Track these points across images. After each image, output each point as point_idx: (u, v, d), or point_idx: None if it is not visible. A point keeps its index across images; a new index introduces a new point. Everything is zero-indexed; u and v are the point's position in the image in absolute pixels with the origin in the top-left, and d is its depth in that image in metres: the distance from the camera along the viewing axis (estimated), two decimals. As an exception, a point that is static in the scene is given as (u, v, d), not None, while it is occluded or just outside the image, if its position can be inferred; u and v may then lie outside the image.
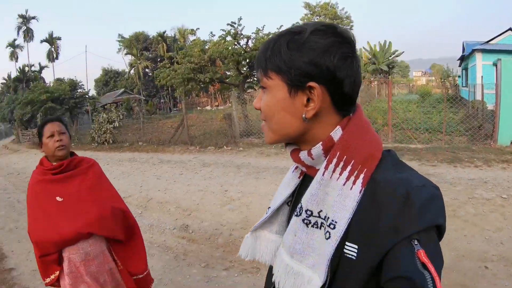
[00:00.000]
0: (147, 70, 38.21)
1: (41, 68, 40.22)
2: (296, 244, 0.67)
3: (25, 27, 40.83)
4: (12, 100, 25.95)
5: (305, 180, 0.76)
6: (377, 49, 30.61)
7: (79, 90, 24.99)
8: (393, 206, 0.57)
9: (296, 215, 0.68)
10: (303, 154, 0.70)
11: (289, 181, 0.79)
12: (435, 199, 0.59)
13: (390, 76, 27.98)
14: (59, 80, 32.22)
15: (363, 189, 0.63)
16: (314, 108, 0.65)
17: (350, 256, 0.61)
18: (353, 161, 0.64)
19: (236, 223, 4.61)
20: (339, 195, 0.63)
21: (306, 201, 0.67)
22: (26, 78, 33.88)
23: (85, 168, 1.91)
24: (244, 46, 12.31)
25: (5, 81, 36.33)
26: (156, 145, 11.93)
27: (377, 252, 0.57)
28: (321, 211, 0.65)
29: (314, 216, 0.66)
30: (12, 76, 35.65)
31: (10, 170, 11.24)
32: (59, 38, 41.77)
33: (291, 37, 0.66)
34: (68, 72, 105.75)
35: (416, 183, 0.59)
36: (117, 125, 14.35)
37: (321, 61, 0.63)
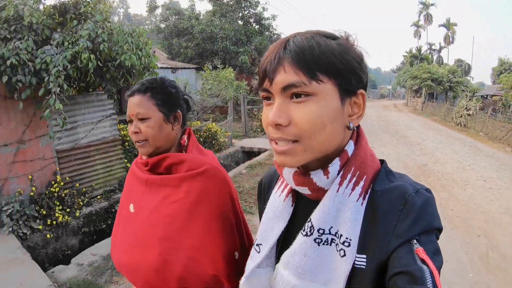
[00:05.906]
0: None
1: (441, 48, 46.60)
2: (306, 265, 0.63)
3: (425, 12, 47.55)
4: (406, 71, 33.01)
5: (298, 205, 0.72)
6: None
7: (458, 76, 27.60)
8: (393, 214, 0.58)
9: (306, 235, 0.63)
10: (317, 175, 0.63)
11: (281, 213, 0.72)
12: (430, 202, 0.60)
13: None
14: (459, 61, 36.81)
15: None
16: (361, 116, 0.62)
17: (360, 266, 0.60)
18: (365, 176, 0.63)
19: None
20: (352, 212, 0.61)
21: (318, 220, 0.63)
22: (421, 57, 40.04)
23: (180, 178, 1.03)
24: None
25: (406, 54, 44.61)
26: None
27: (382, 257, 0.58)
28: (331, 227, 0.62)
29: (325, 234, 0.62)
30: (412, 52, 43.33)
31: (383, 119, 17.70)
32: (455, 24, 44.89)
33: (330, 39, 0.60)
34: (466, 55, 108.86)
35: (411, 190, 0.60)
36: (472, 114, 16.67)
37: (365, 68, 0.62)
